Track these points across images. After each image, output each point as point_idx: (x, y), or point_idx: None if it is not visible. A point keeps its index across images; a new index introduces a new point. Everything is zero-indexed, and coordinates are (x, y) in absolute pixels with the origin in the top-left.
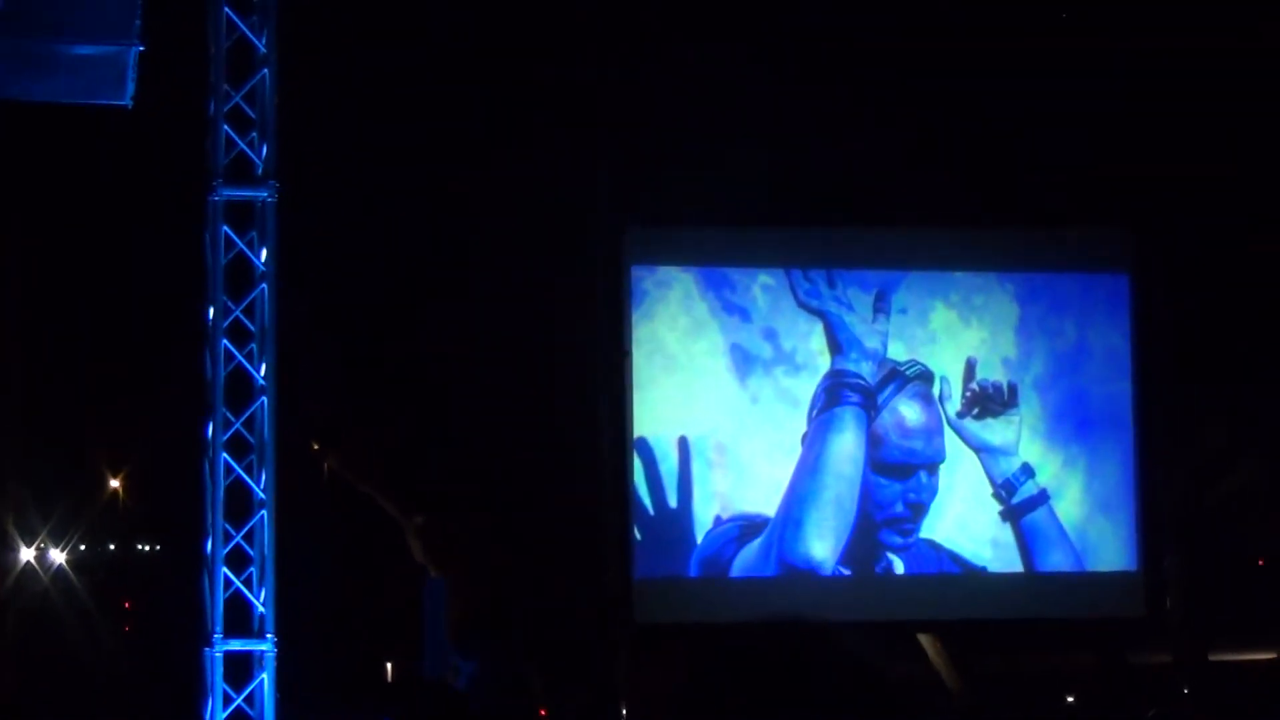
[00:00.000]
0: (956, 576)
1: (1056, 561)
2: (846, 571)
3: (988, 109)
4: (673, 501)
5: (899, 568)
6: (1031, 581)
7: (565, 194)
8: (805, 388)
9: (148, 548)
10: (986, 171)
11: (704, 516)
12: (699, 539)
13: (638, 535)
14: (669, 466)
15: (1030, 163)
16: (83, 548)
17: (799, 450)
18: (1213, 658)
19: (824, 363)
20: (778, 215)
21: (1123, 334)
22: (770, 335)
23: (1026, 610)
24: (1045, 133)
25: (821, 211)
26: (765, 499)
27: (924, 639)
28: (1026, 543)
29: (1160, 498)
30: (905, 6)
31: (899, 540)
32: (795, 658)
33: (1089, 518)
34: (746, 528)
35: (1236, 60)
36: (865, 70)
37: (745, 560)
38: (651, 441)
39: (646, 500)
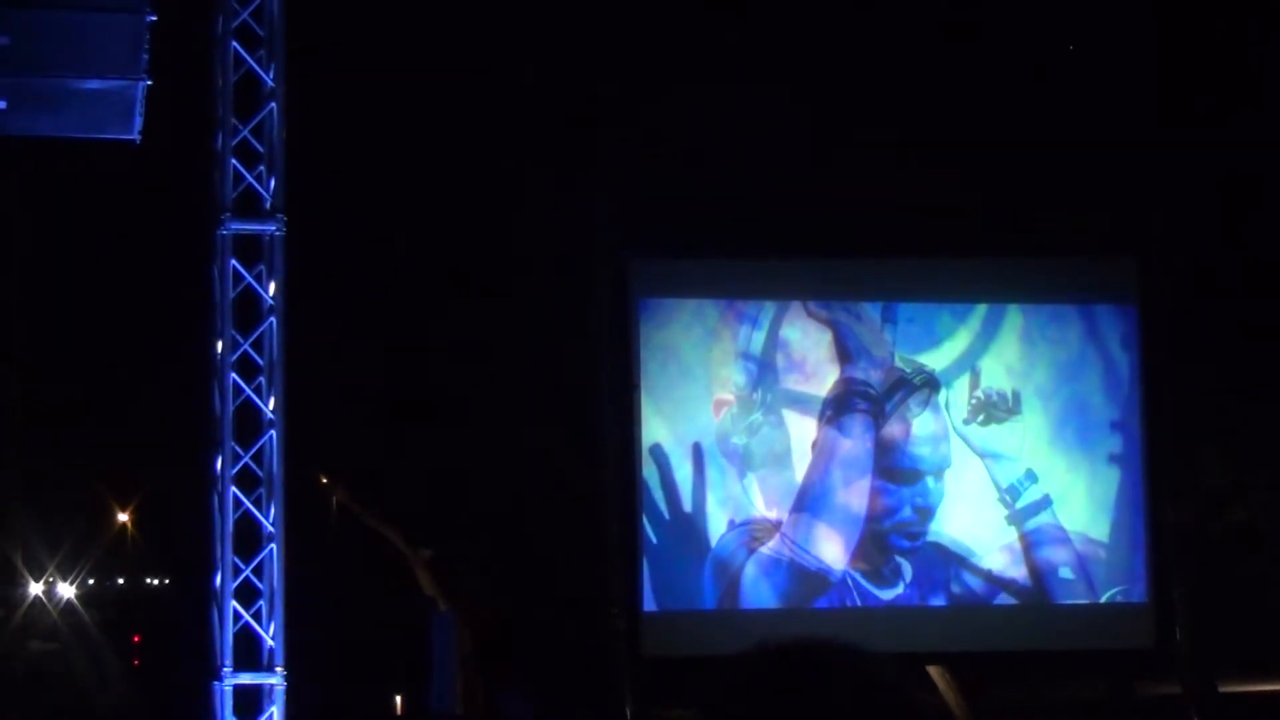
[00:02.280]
0: (965, 608)
1: (1059, 562)
2: (856, 574)
3: (992, 139)
4: (687, 506)
5: (907, 571)
6: (1040, 613)
7: (571, 225)
8: (815, 395)
9: (156, 581)
10: (992, 202)
11: (718, 521)
12: (713, 542)
13: (653, 539)
14: (684, 473)
15: (1037, 193)
16: (91, 582)
17: (809, 456)
18: (1222, 689)
19: (833, 371)
20: (783, 247)
21: (1123, 342)
22: (781, 344)
23: (1035, 642)
24: (1051, 163)
25: (825, 243)
26: (777, 503)
27: (933, 670)
28: (1030, 545)
29: (1168, 528)
30: (908, 39)
31: (907, 544)
32: (814, 684)
33: (1091, 521)
34: (759, 531)
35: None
36: (869, 99)
37: (758, 563)
38: (666, 448)
39: (662, 505)
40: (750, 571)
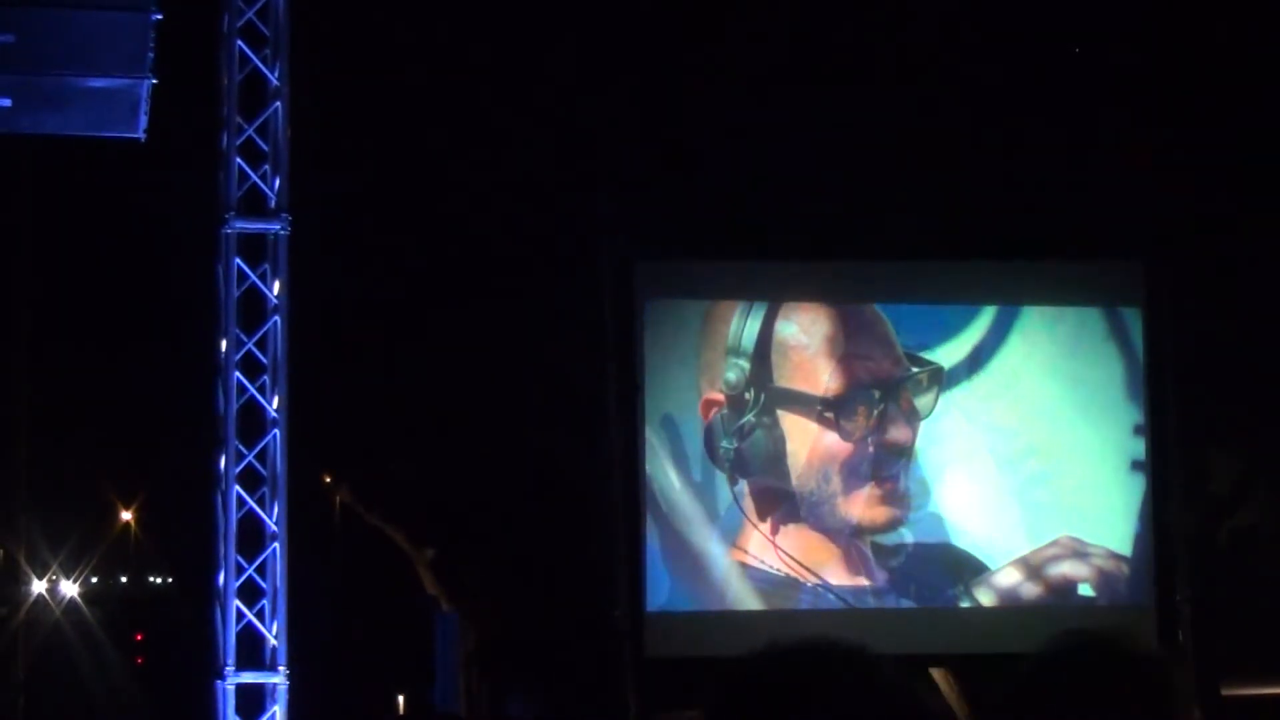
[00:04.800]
0: (967, 610)
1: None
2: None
3: (995, 139)
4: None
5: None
6: (1044, 616)
7: (575, 226)
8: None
9: (159, 580)
10: (996, 204)
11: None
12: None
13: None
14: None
15: (1042, 196)
16: (94, 580)
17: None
18: (1225, 692)
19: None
20: (789, 248)
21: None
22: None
23: (1038, 644)
24: (1055, 165)
25: (830, 244)
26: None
27: (936, 673)
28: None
29: (1173, 531)
30: (915, 42)
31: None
32: (820, 686)
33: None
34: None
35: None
36: (871, 100)
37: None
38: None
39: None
40: (752, 571)
